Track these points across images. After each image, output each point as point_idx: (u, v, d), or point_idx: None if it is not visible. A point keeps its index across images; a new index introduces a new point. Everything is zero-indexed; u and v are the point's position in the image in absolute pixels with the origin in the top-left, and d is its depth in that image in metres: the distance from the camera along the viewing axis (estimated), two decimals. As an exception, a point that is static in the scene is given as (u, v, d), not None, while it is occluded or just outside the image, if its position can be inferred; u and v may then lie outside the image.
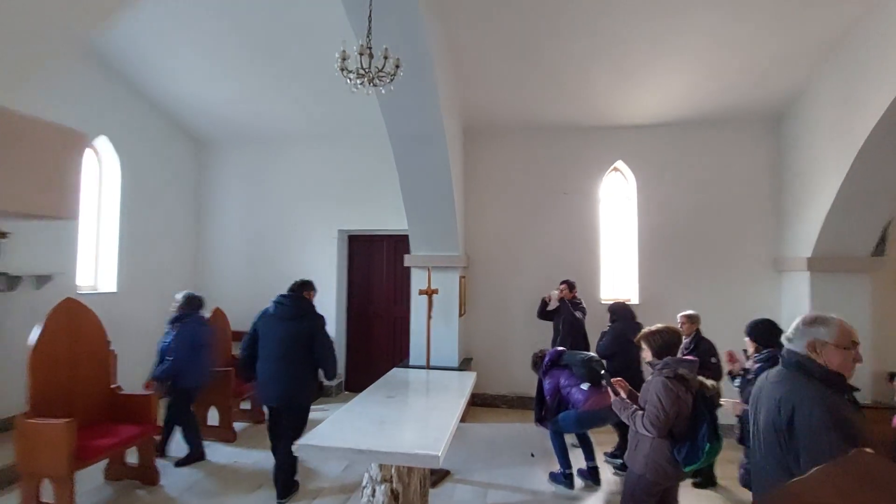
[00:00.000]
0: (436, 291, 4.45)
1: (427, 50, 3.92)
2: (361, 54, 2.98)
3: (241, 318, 6.63)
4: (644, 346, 2.67)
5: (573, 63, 4.95)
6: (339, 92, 5.36)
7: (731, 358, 3.34)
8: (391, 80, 3.18)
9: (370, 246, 6.79)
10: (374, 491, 2.46)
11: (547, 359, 3.95)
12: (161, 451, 4.23)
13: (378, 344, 6.63)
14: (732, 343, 4.31)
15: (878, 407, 4.75)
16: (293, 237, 6.69)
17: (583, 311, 5.17)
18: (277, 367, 3.42)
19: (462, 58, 4.94)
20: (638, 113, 5.73)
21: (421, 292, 4.42)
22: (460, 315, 5.70)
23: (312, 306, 3.66)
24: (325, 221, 6.59)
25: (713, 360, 3.87)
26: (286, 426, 3.47)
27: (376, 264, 6.76)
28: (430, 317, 4.38)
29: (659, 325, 2.67)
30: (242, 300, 6.57)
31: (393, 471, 2.46)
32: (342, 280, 6.70)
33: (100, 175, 5.67)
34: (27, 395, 3.22)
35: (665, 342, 2.60)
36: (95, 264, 5.60)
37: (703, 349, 3.90)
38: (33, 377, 3.25)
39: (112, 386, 3.90)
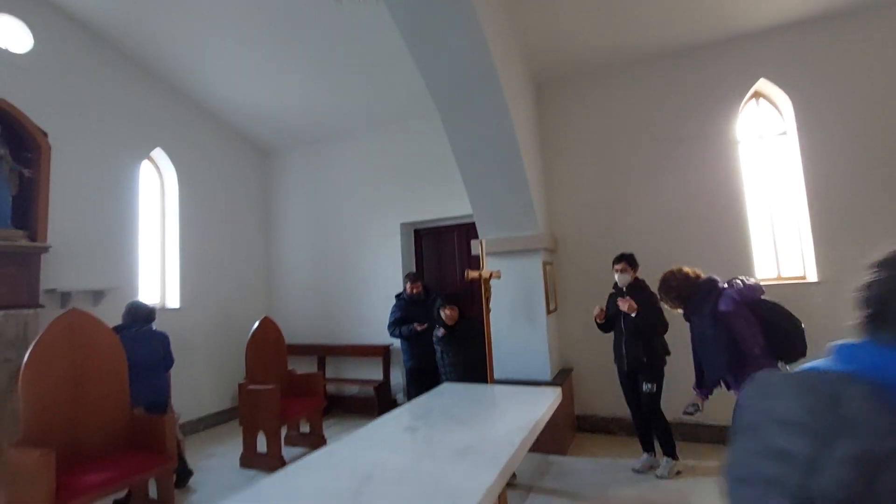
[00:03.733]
0: (496, 275, 3.21)
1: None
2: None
3: (308, 327, 6.15)
4: None
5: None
6: (389, 76, 4.92)
7: None
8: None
9: (438, 238, 5.81)
10: None
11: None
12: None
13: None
14: None
15: None
16: (353, 239, 6.04)
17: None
18: None
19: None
20: (781, 4, 3.95)
21: (469, 277, 3.13)
22: (548, 312, 4.38)
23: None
24: (385, 217, 5.82)
25: None
26: None
27: (446, 259, 5.73)
28: (487, 310, 3.15)
29: None
30: (308, 310, 6.18)
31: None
32: (410, 281, 5.83)
33: (161, 188, 5.58)
34: (20, 419, 2.80)
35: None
36: (162, 280, 5.46)
37: None
38: (24, 400, 2.82)
39: (134, 409, 3.41)
